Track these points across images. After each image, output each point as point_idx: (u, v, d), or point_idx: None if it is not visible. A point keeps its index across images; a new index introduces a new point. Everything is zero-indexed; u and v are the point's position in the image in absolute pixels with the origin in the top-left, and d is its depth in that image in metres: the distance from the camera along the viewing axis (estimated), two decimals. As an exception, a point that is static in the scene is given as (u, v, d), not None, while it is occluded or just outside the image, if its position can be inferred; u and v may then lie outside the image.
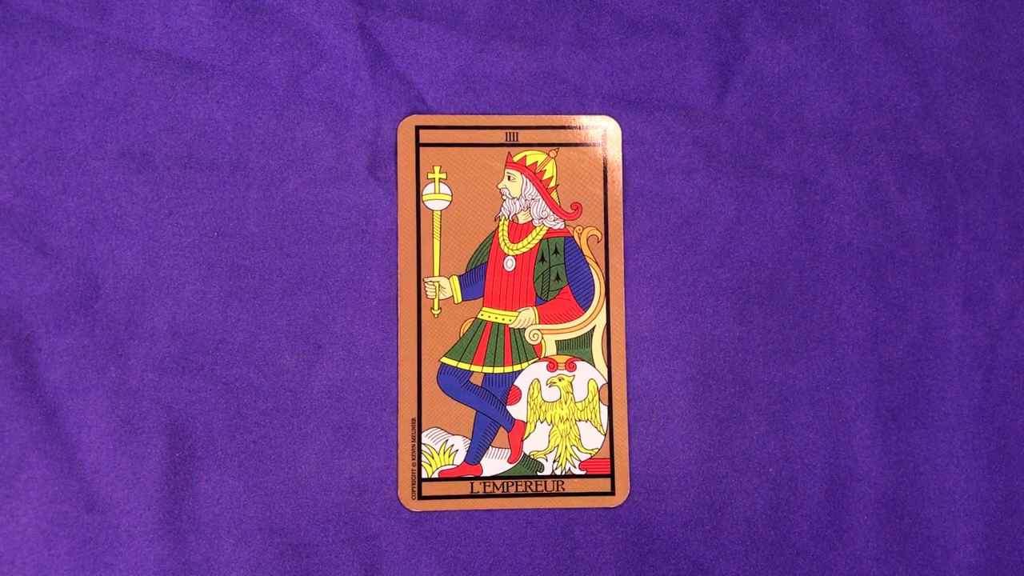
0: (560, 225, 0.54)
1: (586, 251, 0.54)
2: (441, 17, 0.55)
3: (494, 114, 0.54)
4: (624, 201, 0.54)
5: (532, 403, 0.53)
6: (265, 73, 0.54)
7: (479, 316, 0.53)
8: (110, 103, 0.53)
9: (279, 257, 0.53)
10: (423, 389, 0.53)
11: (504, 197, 0.54)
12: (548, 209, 0.54)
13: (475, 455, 0.53)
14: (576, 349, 0.53)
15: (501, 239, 0.54)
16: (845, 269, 0.54)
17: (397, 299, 0.53)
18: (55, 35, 0.54)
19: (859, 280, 0.54)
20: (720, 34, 0.56)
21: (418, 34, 0.55)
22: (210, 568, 0.51)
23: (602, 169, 0.54)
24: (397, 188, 0.54)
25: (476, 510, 0.53)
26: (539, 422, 0.53)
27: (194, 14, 0.54)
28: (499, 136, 0.54)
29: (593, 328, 0.54)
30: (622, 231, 0.54)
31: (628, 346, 0.54)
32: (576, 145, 0.54)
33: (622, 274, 0.54)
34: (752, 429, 0.54)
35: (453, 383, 0.53)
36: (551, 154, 0.54)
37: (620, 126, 0.55)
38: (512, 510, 0.53)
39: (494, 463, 0.53)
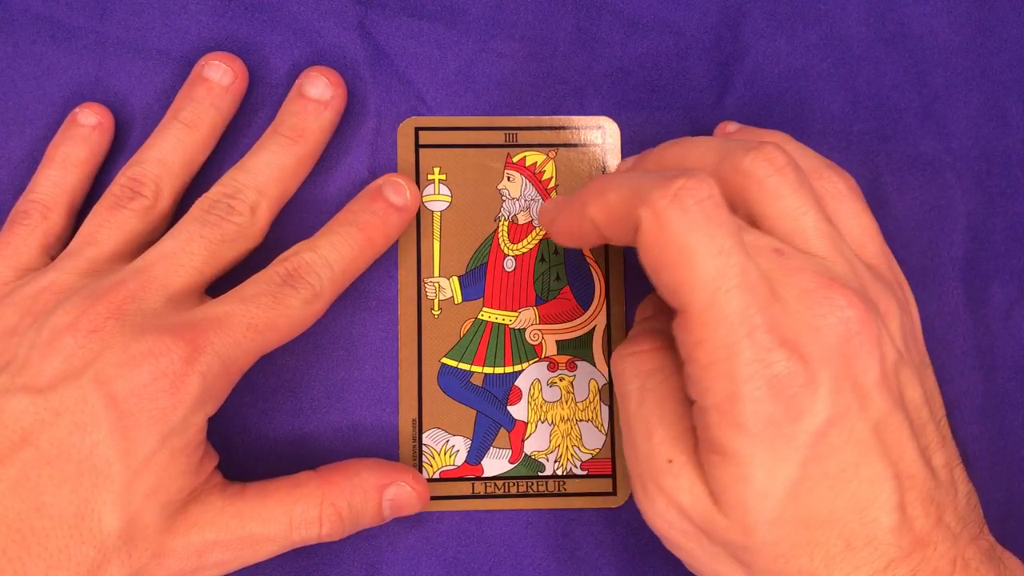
0: (560, 225, 0.54)
1: (586, 251, 0.54)
2: (441, 17, 0.55)
3: (494, 114, 0.54)
4: (623, 201, 0.54)
5: (533, 403, 0.53)
6: (265, 72, 0.54)
7: (479, 316, 0.53)
8: (110, 103, 0.53)
9: (279, 257, 0.53)
10: (423, 390, 0.53)
11: (504, 198, 0.54)
12: (548, 209, 0.54)
13: (476, 455, 0.53)
14: (576, 349, 0.53)
15: (501, 240, 0.54)
16: (845, 269, 0.54)
17: (397, 299, 0.53)
18: (55, 35, 0.54)
19: (859, 280, 0.54)
20: (720, 34, 0.56)
21: (418, 34, 0.55)
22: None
23: (601, 169, 0.54)
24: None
25: (477, 512, 0.53)
26: (540, 422, 0.53)
27: (194, 13, 0.54)
28: (498, 137, 0.54)
29: (593, 328, 0.54)
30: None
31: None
32: (575, 146, 0.54)
33: (622, 274, 0.54)
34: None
35: (454, 383, 0.53)
36: (550, 155, 0.54)
37: (620, 126, 0.55)
38: (513, 511, 0.53)
39: (495, 463, 0.53)
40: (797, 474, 0.39)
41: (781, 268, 0.40)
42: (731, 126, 0.52)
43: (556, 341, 0.53)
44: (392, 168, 0.54)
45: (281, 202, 0.50)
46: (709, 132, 0.55)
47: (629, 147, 0.55)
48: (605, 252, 0.54)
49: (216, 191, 0.49)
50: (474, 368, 0.53)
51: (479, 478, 0.53)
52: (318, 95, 0.51)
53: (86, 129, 0.52)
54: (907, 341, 0.44)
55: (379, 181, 0.51)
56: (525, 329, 0.53)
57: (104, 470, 0.41)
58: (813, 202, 0.43)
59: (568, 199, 0.45)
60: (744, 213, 0.43)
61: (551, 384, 0.53)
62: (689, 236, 0.38)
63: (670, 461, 0.41)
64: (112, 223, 0.48)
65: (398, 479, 0.49)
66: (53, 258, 0.50)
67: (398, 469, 0.49)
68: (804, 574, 0.40)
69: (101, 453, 0.41)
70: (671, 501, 0.41)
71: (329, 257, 0.47)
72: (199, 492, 0.45)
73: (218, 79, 0.51)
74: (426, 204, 0.54)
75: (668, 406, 0.43)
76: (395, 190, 0.50)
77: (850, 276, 0.42)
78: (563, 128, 0.54)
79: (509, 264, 0.53)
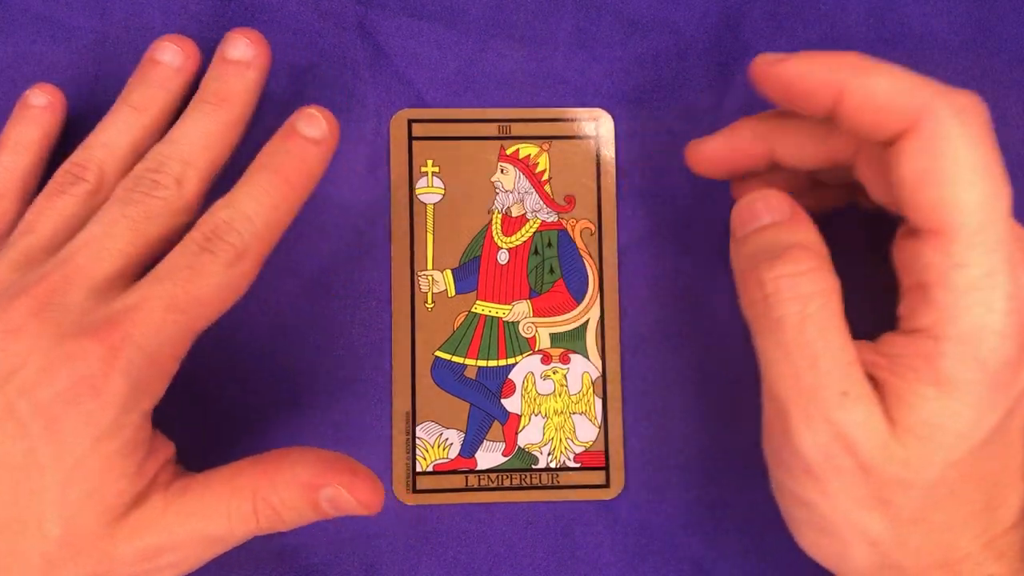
0: (553, 218, 0.54)
1: (580, 244, 0.54)
2: (441, 16, 0.55)
3: (487, 107, 0.54)
4: (622, 199, 0.54)
5: (526, 396, 0.53)
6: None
7: (473, 310, 0.53)
8: (109, 103, 0.53)
9: (277, 255, 0.52)
10: (417, 383, 0.53)
11: (497, 190, 0.54)
12: (541, 202, 0.54)
13: (469, 448, 0.53)
14: (570, 342, 0.54)
15: (494, 232, 0.54)
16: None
17: (390, 293, 0.53)
18: (55, 34, 0.54)
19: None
20: (720, 34, 0.56)
21: (418, 33, 0.55)
22: (209, 569, 0.51)
23: (595, 162, 0.54)
24: (390, 182, 0.54)
25: (476, 511, 0.53)
26: (533, 415, 0.53)
27: (194, 13, 0.54)
28: (492, 129, 0.54)
29: (587, 320, 0.54)
30: (616, 224, 0.54)
31: (622, 339, 0.54)
32: (569, 138, 0.54)
33: (616, 267, 0.54)
34: (752, 427, 0.53)
35: (447, 377, 0.53)
36: (544, 147, 0.54)
37: (620, 125, 0.55)
38: (512, 510, 0.53)
39: (488, 456, 0.53)
40: (996, 424, 0.39)
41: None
42: None
43: (550, 334, 0.54)
44: (389, 166, 0.54)
45: (211, 171, 0.48)
46: (709, 131, 0.55)
47: (628, 146, 0.55)
48: (599, 245, 0.54)
49: (139, 167, 0.46)
50: (467, 361, 0.53)
51: (472, 471, 0.53)
52: (239, 55, 0.49)
53: (36, 110, 0.51)
54: None
55: (292, 117, 0.47)
56: (519, 322, 0.53)
57: (38, 477, 0.41)
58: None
59: (810, 56, 0.42)
60: None
61: (544, 377, 0.53)
62: (973, 153, 0.38)
63: (844, 393, 0.40)
64: (52, 210, 0.47)
65: (334, 481, 0.44)
66: None
67: (339, 469, 0.45)
68: (942, 528, 0.40)
69: (33, 460, 0.40)
70: (839, 434, 0.40)
71: (247, 210, 0.44)
72: (143, 494, 0.43)
73: (168, 60, 0.50)
74: (419, 196, 0.54)
75: (832, 333, 0.41)
76: (309, 122, 0.47)
77: None
78: (557, 120, 0.54)
79: (503, 257, 0.53)
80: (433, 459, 0.53)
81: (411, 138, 0.54)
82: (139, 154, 0.48)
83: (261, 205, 0.45)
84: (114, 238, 0.44)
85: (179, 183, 0.46)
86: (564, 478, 0.53)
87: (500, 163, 0.54)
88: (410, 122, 0.54)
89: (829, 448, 0.40)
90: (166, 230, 0.46)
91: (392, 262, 0.53)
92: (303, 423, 0.53)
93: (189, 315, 0.43)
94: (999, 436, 0.39)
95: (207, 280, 0.43)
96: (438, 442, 0.53)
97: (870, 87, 0.40)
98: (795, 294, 0.42)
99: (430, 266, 0.53)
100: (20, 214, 0.49)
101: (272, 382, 0.53)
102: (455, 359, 0.53)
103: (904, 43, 0.56)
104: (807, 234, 0.44)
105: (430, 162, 0.54)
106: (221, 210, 0.44)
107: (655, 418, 0.53)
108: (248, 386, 0.52)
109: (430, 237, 0.54)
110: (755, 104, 0.54)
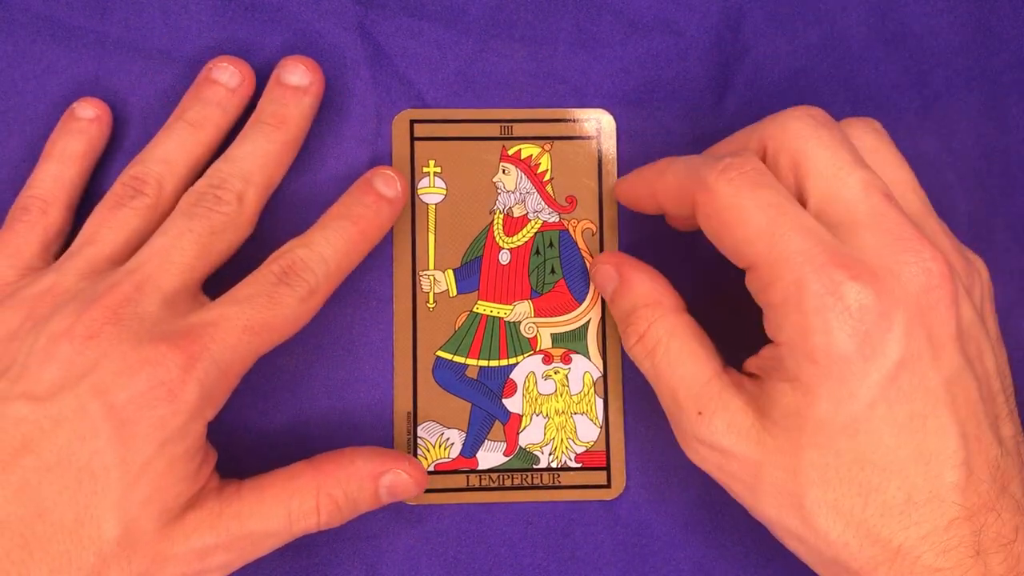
0: (555, 218, 0.54)
1: (581, 244, 0.54)
2: (441, 16, 0.55)
3: (487, 107, 0.54)
4: (623, 199, 0.54)
5: (528, 396, 0.53)
6: (265, 73, 0.54)
7: (474, 310, 0.53)
8: (110, 103, 0.53)
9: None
10: (418, 383, 0.53)
11: (499, 191, 0.54)
12: (543, 202, 0.54)
13: (471, 448, 0.53)
14: (571, 342, 0.53)
15: (496, 232, 0.54)
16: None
17: (392, 293, 0.53)
18: (55, 34, 0.54)
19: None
20: (720, 34, 0.56)
21: (418, 33, 0.55)
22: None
23: (596, 162, 0.54)
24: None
25: (476, 510, 0.53)
26: (535, 415, 0.53)
27: (194, 13, 0.54)
28: (494, 130, 0.54)
29: (588, 321, 0.54)
30: (617, 224, 0.54)
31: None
32: (570, 138, 0.54)
33: (617, 267, 0.54)
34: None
35: (449, 377, 0.53)
36: (546, 147, 0.54)
37: (620, 125, 0.55)
38: (513, 510, 0.53)
39: (490, 456, 0.53)
40: (862, 413, 0.40)
41: (884, 213, 0.42)
42: None
43: (551, 334, 0.54)
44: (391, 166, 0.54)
45: (268, 189, 0.50)
46: (710, 134, 0.55)
47: (629, 146, 0.55)
48: (600, 245, 0.54)
49: (202, 183, 0.49)
50: (469, 361, 0.53)
51: (474, 471, 0.53)
52: (297, 82, 0.51)
53: (84, 122, 0.52)
54: (983, 312, 0.46)
55: (368, 174, 0.51)
56: (520, 322, 0.53)
57: (102, 477, 0.42)
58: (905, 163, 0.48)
59: (638, 172, 0.50)
60: None
61: (546, 377, 0.53)
62: (737, 199, 0.42)
63: (699, 413, 0.45)
64: (113, 222, 0.48)
65: (393, 467, 0.48)
66: (55, 255, 0.50)
67: (393, 456, 0.49)
68: (855, 521, 0.41)
69: (99, 461, 0.41)
70: (711, 446, 0.44)
71: (324, 252, 0.47)
72: (197, 497, 0.45)
73: (225, 81, 0.51)
74: (421, 197, 0.54)
75: (685, 366, 0.46)
76: (385, 182, 0.50)
77: (940, 238, 0.45)
78: (558, 120, 0.54)
79: (504, 257, 0.53)
80: (434, 459, 0.53)
81: (413, 138, 0.54)
82: (195, 170, 0.51)
83: (336, 250, 0.48)
84: (181, 251, 0.46)
85: (240, 199, 0.49)
86: (565, 478, 0.53)
87: (502, 163, 0.54)
88: (412, 122, 0.54)
89: (711, 460, 0.45)
90: (227, 245, 0.48)
91: (394, 262, 0.53)
92: (304, 422, 0.52)
93: (260, 338, 0.45)
94: (878, 424, 0.40)
95: (281, 310, 0.46)
96: (439, 442, 0.53)
97: (664, 183, 0.47)
98: (646, 351, 0.47)
99: (432, 266, 0.53)
100: (67, 223, 0.52)
101: (273, 382, 0.53)
102: (456, 359, 0.53)
103: (904, 43, 0.56)
104: (640, 290, 0.49)
105: (432, 162, 0.54)
106: (299, 248, 0.47)
107: (656, 418, 0.53)
108: (249, 385, 0.52)
109: (432, 237, 0.53)
110: (755, 104, 0.55)
